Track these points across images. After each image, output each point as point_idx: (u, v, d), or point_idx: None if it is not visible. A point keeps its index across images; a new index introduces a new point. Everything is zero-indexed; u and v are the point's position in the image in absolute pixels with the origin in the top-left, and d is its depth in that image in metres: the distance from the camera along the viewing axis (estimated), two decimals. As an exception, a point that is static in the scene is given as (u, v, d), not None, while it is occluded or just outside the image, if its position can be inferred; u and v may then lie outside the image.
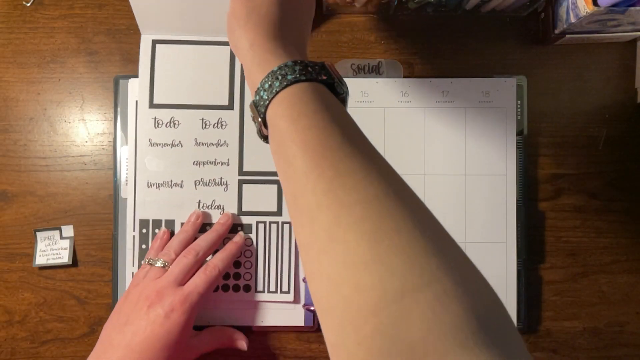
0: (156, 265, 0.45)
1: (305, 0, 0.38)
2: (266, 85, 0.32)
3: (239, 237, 0.50)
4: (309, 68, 0.32)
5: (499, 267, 0.51)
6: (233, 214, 0.51)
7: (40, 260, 0.52)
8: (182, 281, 0.44)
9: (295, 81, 0.31)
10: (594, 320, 0.53)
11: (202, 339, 0.48)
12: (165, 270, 0.45)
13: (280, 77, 0.32)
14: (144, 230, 0.51)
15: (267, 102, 0.32)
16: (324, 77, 0.32)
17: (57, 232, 0.53)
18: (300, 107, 0.31)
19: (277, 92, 0.31)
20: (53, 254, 0.52)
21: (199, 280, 0.44)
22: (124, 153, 0.52)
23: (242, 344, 0.49)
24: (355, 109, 0.52)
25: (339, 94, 0.34)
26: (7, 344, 0.53)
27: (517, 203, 0.52)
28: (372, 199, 0.26)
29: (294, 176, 0.29)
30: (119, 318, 0.43)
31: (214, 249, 0.48)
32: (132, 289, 0.45)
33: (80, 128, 0.54)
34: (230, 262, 0.48)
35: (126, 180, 0.52)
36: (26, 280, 0.53)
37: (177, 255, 0.46)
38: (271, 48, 0.34)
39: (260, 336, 0.53)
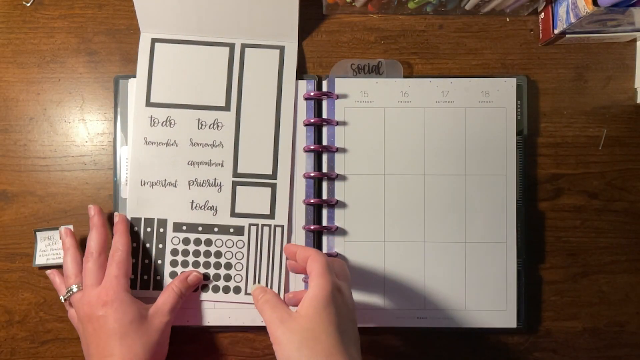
0: (74, 292, 0.48)
1: (352, 304, 0.43)
2: None
3: (116, 217, 0.51)
4: None
5: (499, 267, 0.51)
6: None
7: (40, 260, 0.52)
8: (99, 282, 0.47)
9: None
10: (594, 320, 0.53)
11: (157, 311, 0.48)
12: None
13: None
14: (135, 229, 0.51)
15: None
16: None
17: (57, 232, 0.53)
18: None
19: None
20: (53, 254, 0.52)
21: (112, 269, 0.47)
22: (124, 153, 0.52)
23: (195, 275, 0.50)
24: (355, 109, 0.52)
25: None
26: (7, 344, 0.53)
27: (517, 203, 0.52)
28: None
29: None
30: (85, 348, 0.47)
31: (105, 242, 0.49)
32: (76, 324, 0.49)
33: (80, 128, 0.54)
34: (127, 238, 0.49)
35: (126, 180, 0.52)
36: (26, 280, 0.53)
37: (77, 272, 0.48)
38: None
39: (260, 336, 0.53)
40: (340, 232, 0.51)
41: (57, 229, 0.53)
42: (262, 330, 0.52)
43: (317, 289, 0.40)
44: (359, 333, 0.42)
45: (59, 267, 0.53)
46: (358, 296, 0.51)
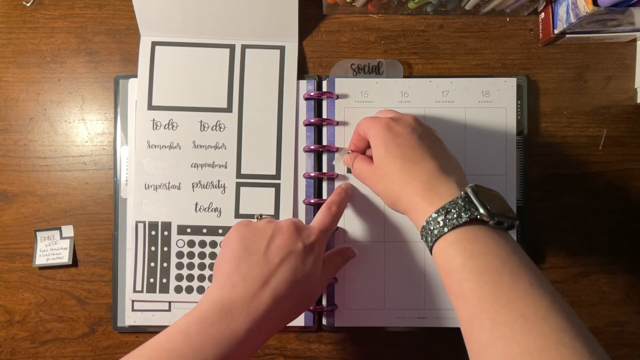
0: None
1: (424, 127, 0.43)
2: (434, 224, 0.36)
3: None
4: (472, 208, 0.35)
5: (499, 267, 0.51)
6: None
7: (40, 260, 0.52)
8: None
9: (462, 224, 0.35)
10: (594, 320, 0.53)
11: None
12: None
13: (447, 218, 0.35)
14: (140, 232, 0.51)
15: (436, 238, 0.36)
16: (485, 217, 0.35)
17: (57, 232, 0.53)
18: (472, 256, 0.34)
19: (444, 234, 0.35)
20: (53, 254, 0.52)
21: None
22: (124, 153, 0.52)
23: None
24: (355, 109, 0.52)
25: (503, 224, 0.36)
26: (7, 344, 0.53)
27: (517, 203, 0.52)
28: None
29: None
30: None
31: None
32: None
33: (80, 128, 0.54)
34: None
35: (126, 181, 0.52)
36: (26, 280, 0.53)
37: None
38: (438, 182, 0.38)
39: (260, 336, 0.53)
40: (340, 231, 0.51)
41: (57, 229, 0.53)
42: (262, 330, 0.52)
43: (372, 138, 0.42)
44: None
45: (59, 267, 0.53)
46: (358, 296, 0.51)
